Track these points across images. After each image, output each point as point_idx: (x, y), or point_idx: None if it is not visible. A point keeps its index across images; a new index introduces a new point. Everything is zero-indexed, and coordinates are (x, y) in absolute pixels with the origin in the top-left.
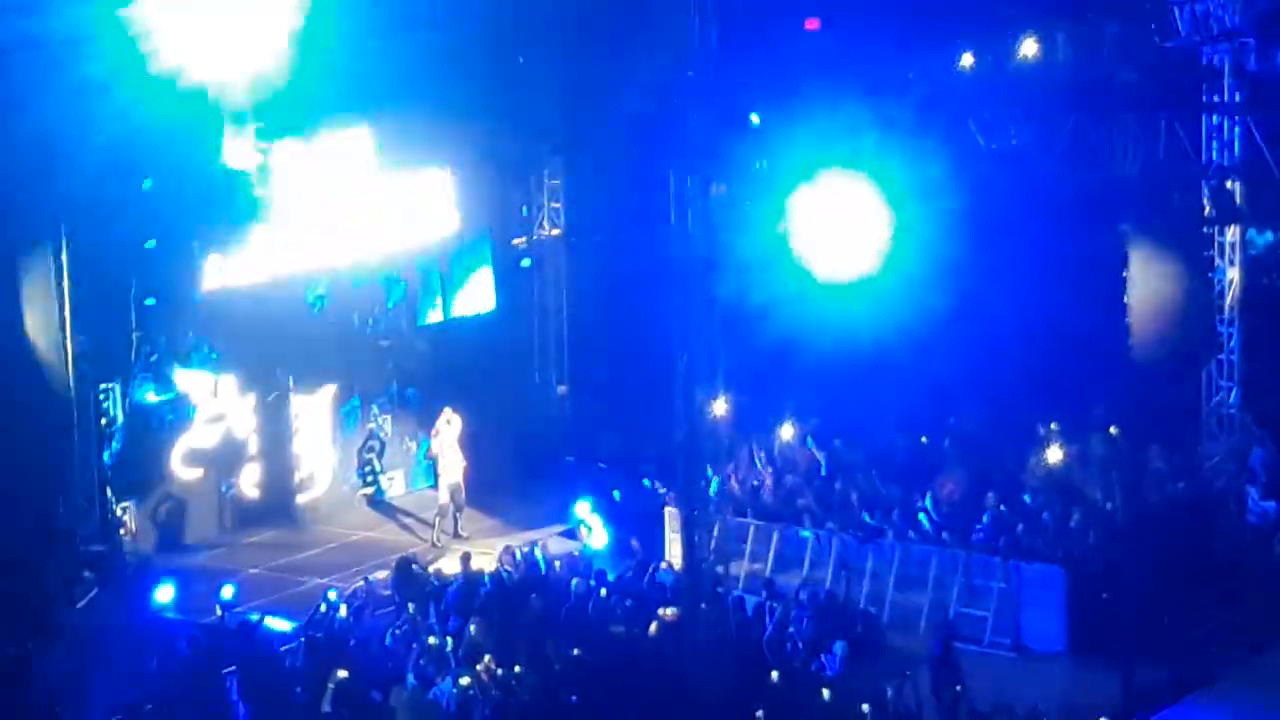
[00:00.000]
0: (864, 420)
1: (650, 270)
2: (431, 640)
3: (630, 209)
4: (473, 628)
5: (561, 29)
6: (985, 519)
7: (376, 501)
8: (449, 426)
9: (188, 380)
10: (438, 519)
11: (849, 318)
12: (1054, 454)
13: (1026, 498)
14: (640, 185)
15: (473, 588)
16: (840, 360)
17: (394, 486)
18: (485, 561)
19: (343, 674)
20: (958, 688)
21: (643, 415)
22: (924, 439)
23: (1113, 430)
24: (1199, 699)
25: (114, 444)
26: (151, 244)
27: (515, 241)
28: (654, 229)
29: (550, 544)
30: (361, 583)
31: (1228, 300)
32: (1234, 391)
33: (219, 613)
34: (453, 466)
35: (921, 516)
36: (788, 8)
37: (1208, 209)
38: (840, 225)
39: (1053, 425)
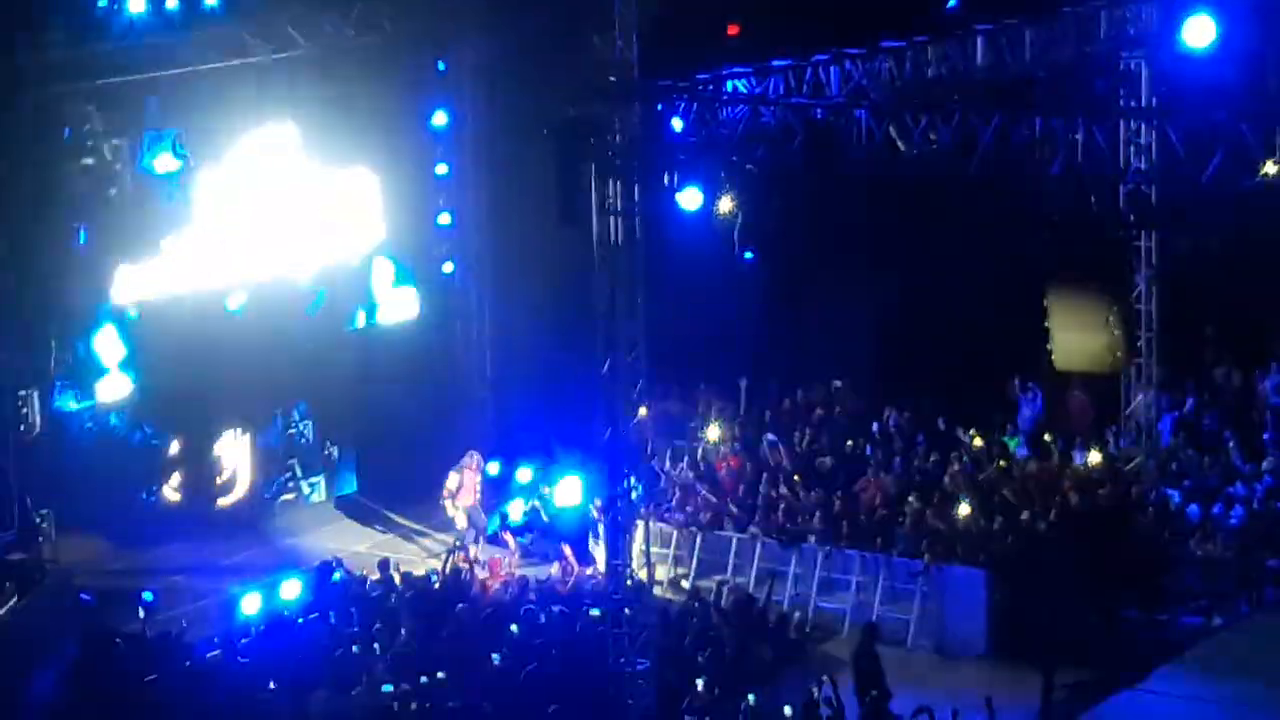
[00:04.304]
0: (787, 424)
1: (573, 276)
2: (354, 647)
3: (552, 215)
4: (402, 632)
5: (486, 32)
6: (907, 522)
7: (297, 507)
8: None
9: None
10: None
11: (772, 322)
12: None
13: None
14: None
15: (394, 595)
16: (765, 365)
17: (315, 493)
18: (409, 568)
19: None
20: (876, 691)
21: (567, 421)
22: (849, 444)
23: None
24: (1122, 700)
25: (33, 452)
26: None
27: (438, 249)
28: (574, 234)
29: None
30: (283, 588)
31: (1144, 305)
32: (1152, 395)
33: (141, 615)
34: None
35: None
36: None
37: (1124, 214)
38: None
39: (972, 431)
